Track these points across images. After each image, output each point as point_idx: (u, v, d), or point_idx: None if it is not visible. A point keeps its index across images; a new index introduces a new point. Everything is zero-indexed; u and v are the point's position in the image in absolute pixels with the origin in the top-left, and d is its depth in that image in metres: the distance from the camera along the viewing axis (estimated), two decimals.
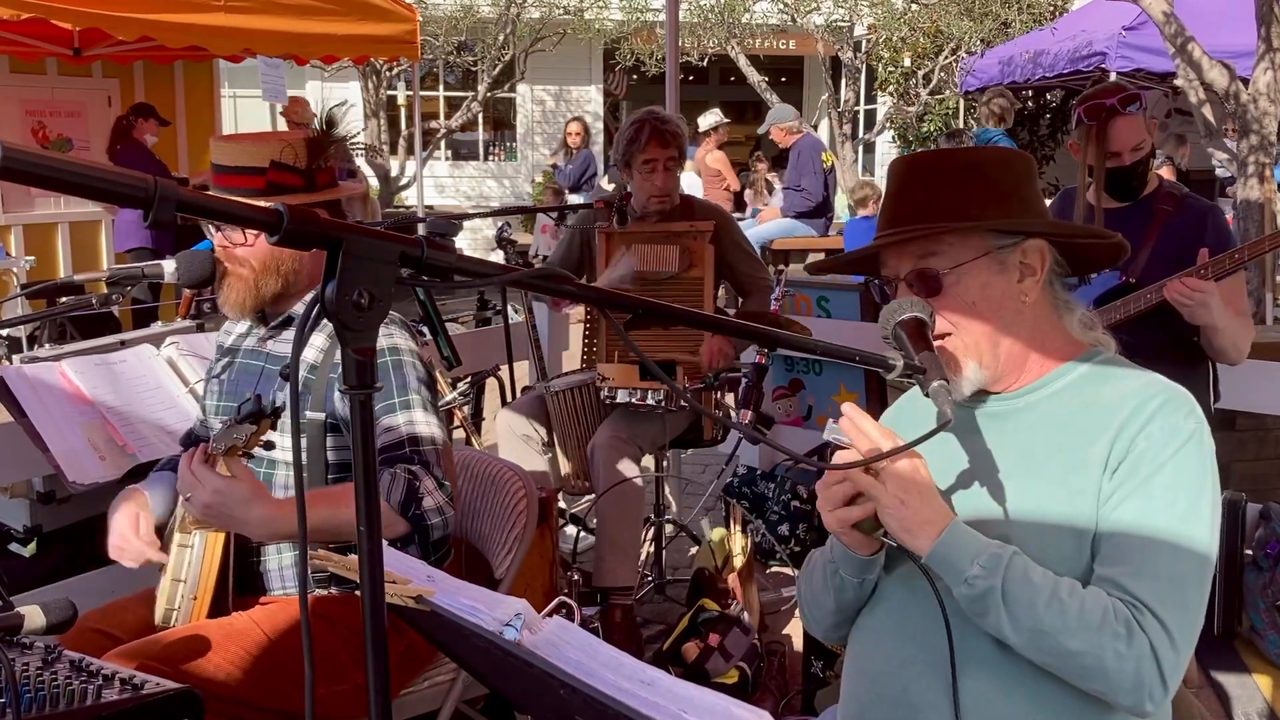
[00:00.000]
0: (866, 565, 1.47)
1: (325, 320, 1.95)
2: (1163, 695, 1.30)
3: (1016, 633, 1.32)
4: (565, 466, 3.51)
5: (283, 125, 8.20)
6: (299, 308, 2.09)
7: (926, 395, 1.27)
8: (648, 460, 3.47)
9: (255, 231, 1.96)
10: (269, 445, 1.87)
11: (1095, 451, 1.39)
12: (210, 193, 1.84)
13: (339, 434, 2.03)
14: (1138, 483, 1.37)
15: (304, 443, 2.00)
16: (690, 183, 9.22)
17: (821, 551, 1.58)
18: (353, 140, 2.17)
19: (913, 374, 1.28)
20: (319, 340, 2.05)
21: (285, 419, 2.00)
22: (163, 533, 2.06)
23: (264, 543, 2.01)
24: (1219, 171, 8.20)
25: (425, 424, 2.00)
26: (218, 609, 1.96)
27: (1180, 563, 1.33)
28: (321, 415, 2.01)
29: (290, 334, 2.09)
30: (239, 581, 2.00)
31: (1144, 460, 1.37)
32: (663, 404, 3.21)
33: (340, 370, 1.92)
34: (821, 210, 8.45)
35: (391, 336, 2.04)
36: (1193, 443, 1.37)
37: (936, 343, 1.38)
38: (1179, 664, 1.30)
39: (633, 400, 3.20)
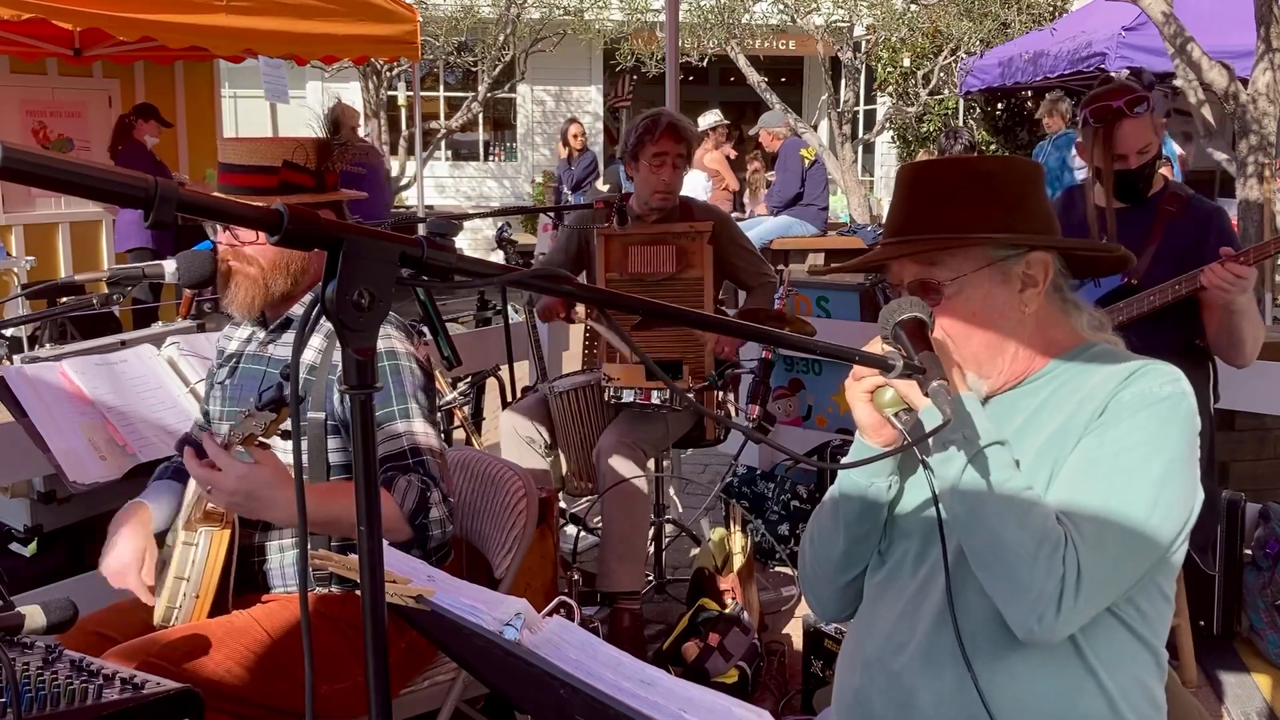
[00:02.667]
0: (876, 466, 1.49)
1: (322, 321, 1.97)
2: (1052, 622, 1.33)
3: (961, 503, 1.37)
4: (567, 467, 3.51)
5: (284, 126, 8.20)
6: (298, 309, 2.09)
7: (926, 395, 1.27)
8: (649, 461, 3.47)
9: None
10: (287, 434, 1.87)
11: (1076, 423, 1.42)
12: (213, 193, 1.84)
13: (339, 435, 2.03)
14: (1092, 435, 1.40)
15: (304, 444, 2.00)
16: (699, 184, 9.29)
17: (828, 493, 1.60)
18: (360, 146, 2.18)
19: (912, 374, 1.28)
20: (316, 341, 2.05)
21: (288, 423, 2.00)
22: (163, 539, 2.07)
23: (284, 527, 2.02)
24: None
25: (425, 434, 2.01)
26: (218, 608, 1.96)
27: (1108, 510, 1.35)
28: (321, 415, 2.01)
29: (291, 336, 2.09)
30: (240, 580, 2.01)
31: (1106, 419, 1.40)
32: (668, 404, 3.21)
33: (339, 370, 1.93)
34: (796, 202, 8.62)
35: (389, 339, 2.04)
36: (1160, 407, 1.38)
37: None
38: (1077, 605, 1.32)
39: (638, 400, 3.19)
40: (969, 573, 1.43)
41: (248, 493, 1.78)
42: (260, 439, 1.80)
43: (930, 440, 1.37)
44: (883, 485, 1.51)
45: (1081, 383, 1.46)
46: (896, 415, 1.38)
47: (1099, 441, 1.39)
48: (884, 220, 1.73)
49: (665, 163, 3.49)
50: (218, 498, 1.80)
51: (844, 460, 1.50)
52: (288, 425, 1.83)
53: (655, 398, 3.18)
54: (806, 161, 8.68)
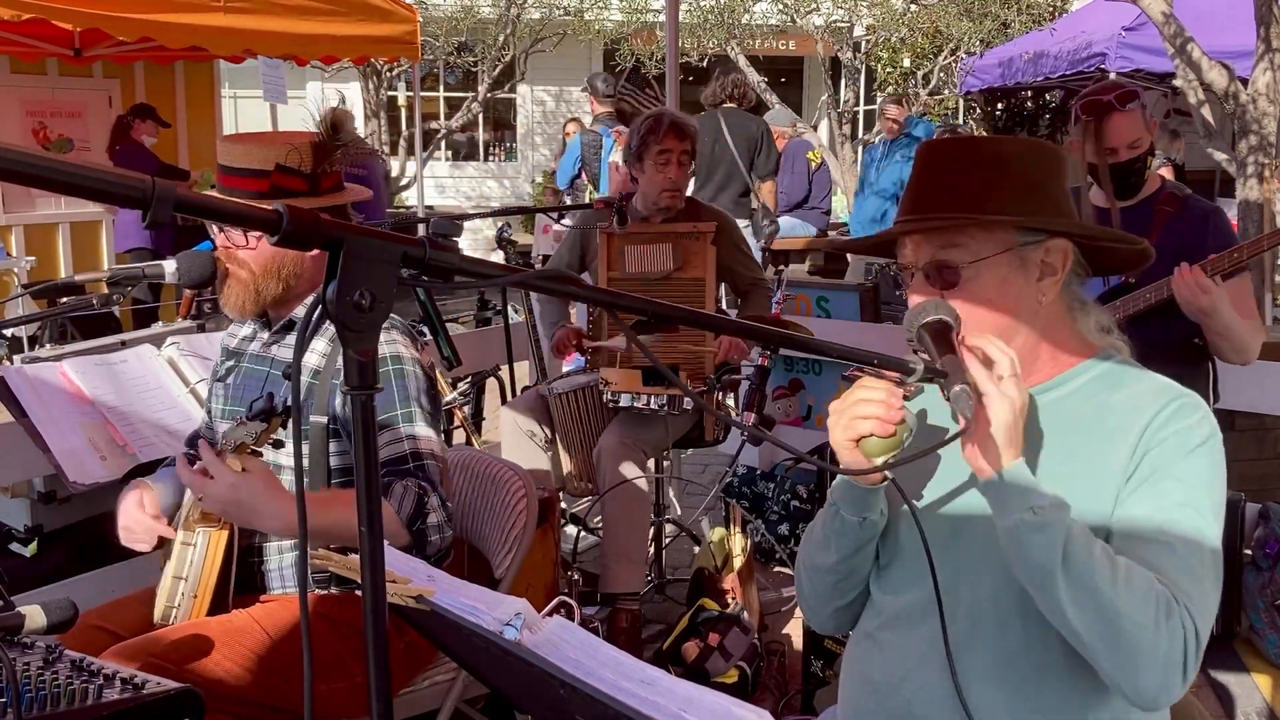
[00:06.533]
0: (867, 500, 1.46)
1: (327, 324, 1.97)
2: (1180, 688, 1.28)
3: (1066, 573, 1.27)
4: (568, 467, 3.52)
5: (284, 126, 8.19)
6: (301, 311, 2.09)
7: (948, 399, 1.25)
8: (649, 461, 3.47)
9: (257, 234, 1.96)
10: (279, 444, 1.86)
11: (1111, 456, 1.39)
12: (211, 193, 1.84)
13: (341, 439, 2.03)
14: (1151, 484, 1.36)
15: (305, 447, 2.00)
16: None
17: (817, 519, 1.58)
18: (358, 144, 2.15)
19: (934, 378, 1.27)
20: (321, 345, 2.05)
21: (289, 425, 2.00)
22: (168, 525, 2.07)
23: (279, 536, 2.01)
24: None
25: (427, 439, 1.99)
26: (218, 608, 1.96)
27: (1196, 558, 1.33)
28: (324, 419, 2.01)
29: (294, 338, 2.09)
30: (239, 580, 2.01)
31: (1158, 463, 1.37)
32: (665, 407, 3.21)
33: (342, 374, 1.93)
34: (802, 204, 8.61)
35: (394, 344, 2.03)
36: (1205, 447, 1.38)
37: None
38: (1197, 662, 1.28)
39: (635, 405, 3.20)
40: (984, 603, 1.41)
41: (238, 501, 1.78)
42: (252, 448, 1.80)
43: (1007, 516, 1.31)
44: (874, 517, 1.48)
45: (1104, 403, 1.43)
46: (885, 462, 1.36)
47: (1161, 494, 1.35)
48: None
49: (670, 160, 3.50)
50: (209, 505, 1.80)
51: (839, 467, 1.48)
52: (279, 434, 1.83)
53: (653, 402, 3.19)
54: (813, 164, 8.68)
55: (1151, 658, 1.26)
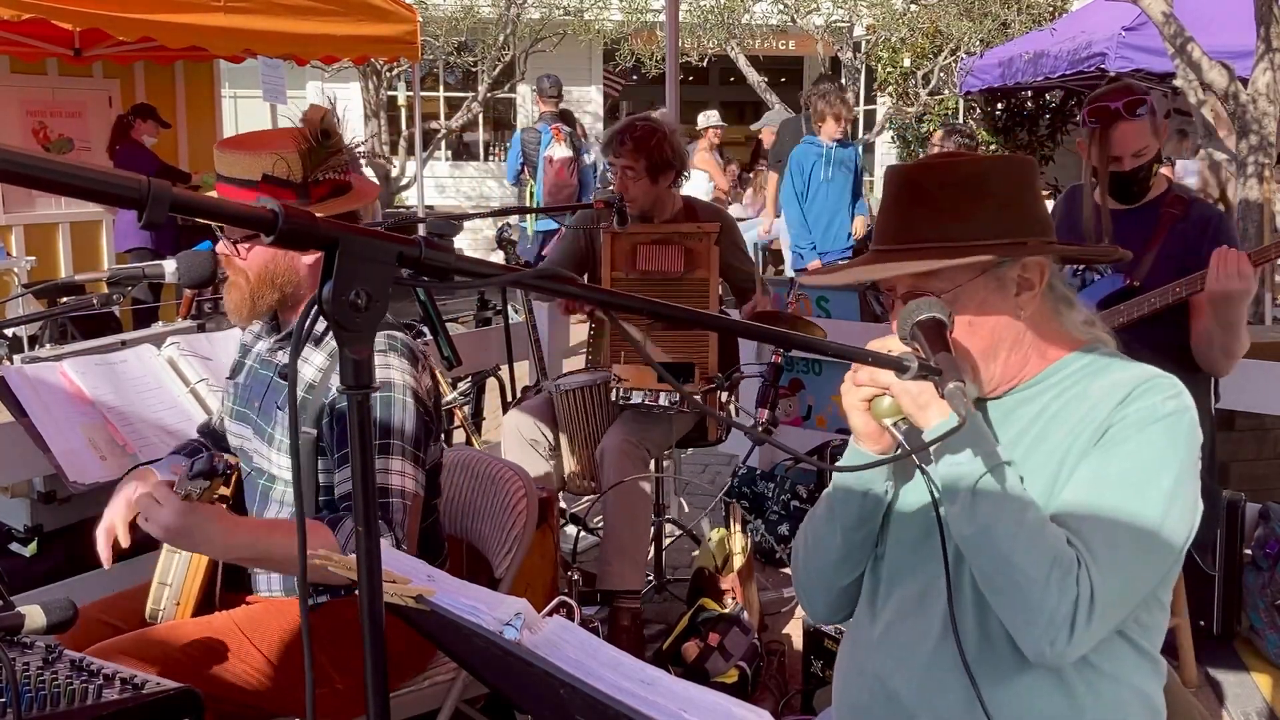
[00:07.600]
0: (871, 470, 1.47)
1: (327, 337, 1.97)
2: (1065, 646, 1.31)
3: (970, 524, 1.34)
4: (570, 465, 3.51)
5: (284, 126, 8.18)
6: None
7: (942, 397, 1.26)
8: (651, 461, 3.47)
9: (248, 245, 1.96)
10: (224, 500, 1.89)
11: (1079, 439, 1.40)
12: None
13: (328, 457, 1.99)
14: (1099, 453, 1.38)
15: (301, 453, 2.00)
16: (702, 185, 9.32)
17: (820, 501, 1.59)
18: (354, 147, 2.13)
19: (928, 375, 1.28)
20: (319, 359, 2.02)
21: (283, 439, 2.02)
22: None
23: (226, 561, 2.01)
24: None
25: (399, 475, 1.92)
26: (205, 610, 2.00)
27: (1119, 527, 1.34)
28: (314, 433, 1.98)
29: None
30: (227, 580, 2.04)
31: (1112, 437, 1.38)
32: (675, 405, 3.21)
33: (332, 393, 1.93)
34: None
35: (388, 368, 1.97)
36: (1165, 423, 1.37)
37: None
38: (1090, 627, 1.31)
39: (646, 401, 3.19)
40: (967, 590, 1.42)
41: (183, 528, 1.77)
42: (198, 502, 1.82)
43: (936, 453, 1.36)
44: (879, 490, 1.49)
45: (1082, 391, 1.44)
46: (895, 424, 1.37)
47: (1105, 460, 1.37)
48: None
49: (618, 171, 3.54)
50: (152, 528, 1.79)
51: (839, 464, 1.49)
52: (224, 490, 1.88)
53: (663, 399, 3.18)
54: None
55: (1038, 611, 1.31)
